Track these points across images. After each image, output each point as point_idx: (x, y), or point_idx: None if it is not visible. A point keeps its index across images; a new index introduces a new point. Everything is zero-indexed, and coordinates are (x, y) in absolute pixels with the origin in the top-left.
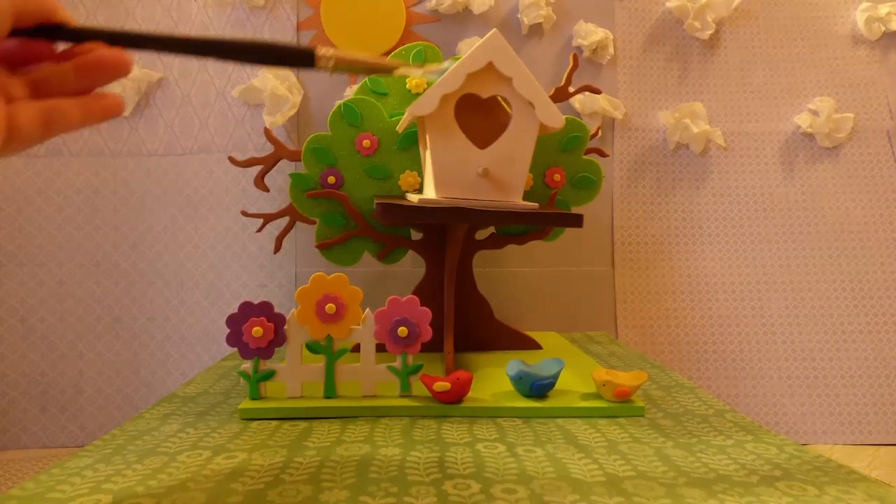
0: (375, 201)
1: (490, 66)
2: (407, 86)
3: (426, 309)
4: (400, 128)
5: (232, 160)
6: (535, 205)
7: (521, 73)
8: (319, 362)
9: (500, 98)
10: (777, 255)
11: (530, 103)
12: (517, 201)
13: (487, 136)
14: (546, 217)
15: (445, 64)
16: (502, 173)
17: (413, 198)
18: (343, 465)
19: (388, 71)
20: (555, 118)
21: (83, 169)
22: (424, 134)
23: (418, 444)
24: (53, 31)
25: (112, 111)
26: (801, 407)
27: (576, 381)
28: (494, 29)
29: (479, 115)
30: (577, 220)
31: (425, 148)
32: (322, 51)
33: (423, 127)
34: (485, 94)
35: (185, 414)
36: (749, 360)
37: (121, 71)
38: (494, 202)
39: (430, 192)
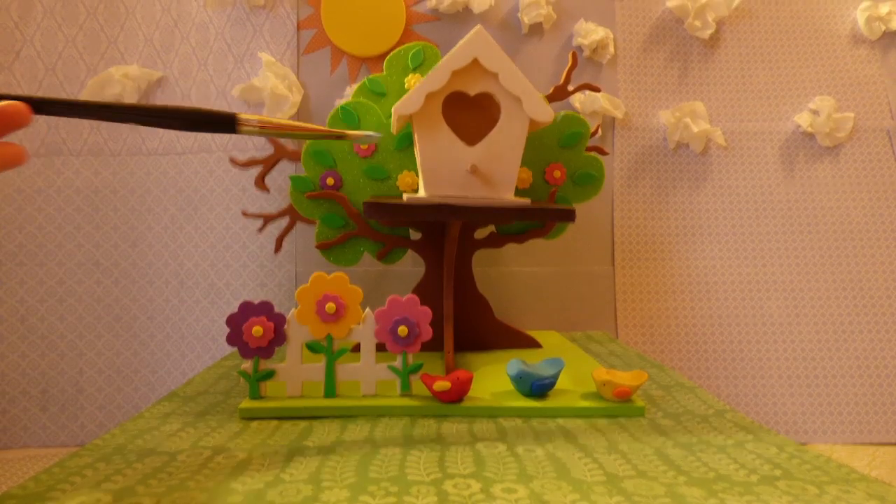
0: (364, 202)
1: (475, 63)
2: (406, 86)
3: (426, 308)
4: (394, 129)
5: (233, 161)
6: (526, 200)
7: (507, 68)
8: (319, 362)
9: (493, 95)
10: (777, 254)
11: (518, 98)
12: (508, 197)
13: (480, 133)
14: (535, 212)
15: (372, 132)
16: (492, 170)
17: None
18: (343, 465)
19: (315, 135)
20: (543, 112)
21: (83, 168)
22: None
23: (418, 443)
24: None
25: (15, 160)
26: (801, 406)
27: (576, 380)
28: (479, 25)
29: (472, 112)
30: (568, 215)
31: (416, 147)
32: (244, 116)
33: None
34: (472, 91)
35: (186, 413)
36: (749, 360)
37: (23, 121)
38: (484, 199)
39: (422, 191)
